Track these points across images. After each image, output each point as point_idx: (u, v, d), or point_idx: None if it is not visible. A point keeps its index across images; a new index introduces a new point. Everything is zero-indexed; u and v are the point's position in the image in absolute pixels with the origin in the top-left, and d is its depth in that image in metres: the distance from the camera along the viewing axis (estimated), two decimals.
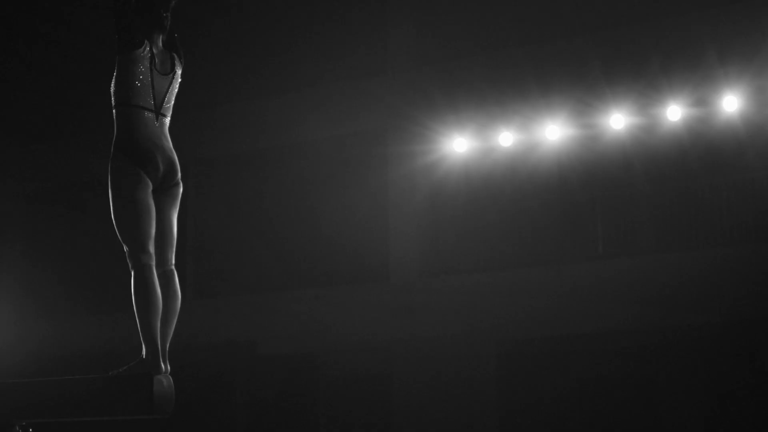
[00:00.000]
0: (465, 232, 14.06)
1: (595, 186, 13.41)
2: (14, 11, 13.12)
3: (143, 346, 4.90)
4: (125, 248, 5.00)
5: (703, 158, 12.84)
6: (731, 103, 12.57)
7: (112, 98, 5.15)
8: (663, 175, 13.09)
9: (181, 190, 5.21)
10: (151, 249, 5.02)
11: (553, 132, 13.48)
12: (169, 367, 4.96)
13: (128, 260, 4.99)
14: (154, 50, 5.22)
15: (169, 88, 5.30)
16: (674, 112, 12.85)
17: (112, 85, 5.14)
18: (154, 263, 5.01)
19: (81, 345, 15.66)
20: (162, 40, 5.28)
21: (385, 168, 14.41)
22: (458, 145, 13.97)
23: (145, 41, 5.15)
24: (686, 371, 12.57)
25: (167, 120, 5.29)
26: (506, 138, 13.74)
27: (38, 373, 14.57)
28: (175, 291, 5.16)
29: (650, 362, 12.78)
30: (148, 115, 5.17)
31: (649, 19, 13.22)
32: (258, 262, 15.31)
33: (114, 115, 5.16)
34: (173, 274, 5.17)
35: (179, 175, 5.21)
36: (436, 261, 14.18)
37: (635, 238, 13.30)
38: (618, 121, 13.14)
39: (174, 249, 5.22)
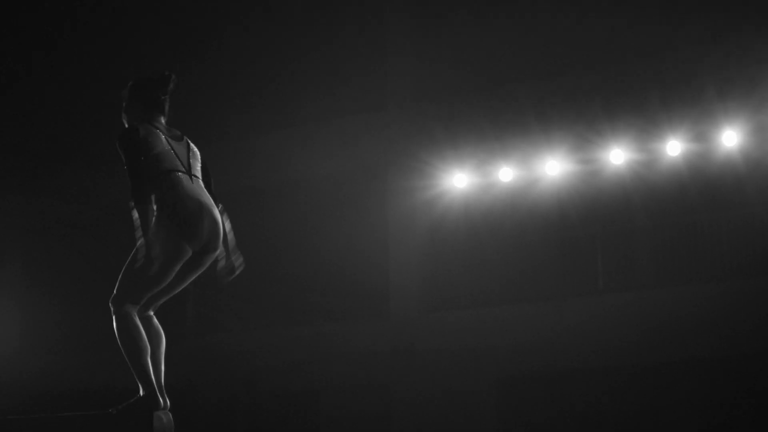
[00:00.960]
0: (465, 267, 14.05)
1: (595, 221, 13.42)
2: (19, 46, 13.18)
3: (139, 385, 4.90)
4: (116, 290, 4.97)
5: (703, 193, 12.86)
6: (731, 138, 12.60)
7: (138, 184, 4.98)
8: (663, 210, 13.10)
9: (215, 256, 5.16)
10: (143, 301, 5.01)
11: (553, 167, 13.50)
12: (168, 402, 4.97)
13: (111, 303, 4.97)
14: (158, 126, 5.21)
15: (188, 153, 5.25)
16: (674, 148, 12.88)
17: (129, 176, 5.00)
18: (135, 312, 5.01)
19: (81, 381, 15.62)
20: (164, 120, 5.30)
21: (384, 203, 14.42)
22: (458, 180, 13.98)
23: (137, 129, 5.09)
24: (687, 405, 12.53)
25: (201, 183, 5.21)
26: (506, 173, 13.76)
27: (38, 409, 14.57)
28: (158, 329, 5.16)
29: (651, 396, 12.74)
30: (183, 175, 5.11)
31: (648, 55, 13.27)
32: (258, 298, 15.29)
33: (151, 196, 5.02)
34: (153, 318, 5.16)
35: (220, 242, 5.15)
36: (437, 296, 14.16)
37: (635, 272, 13.30)
38: (618, 156, 13.16)
39: (165, 300, 5.19)
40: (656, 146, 13.02)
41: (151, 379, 4.93)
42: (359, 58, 14.99)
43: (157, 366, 5.06)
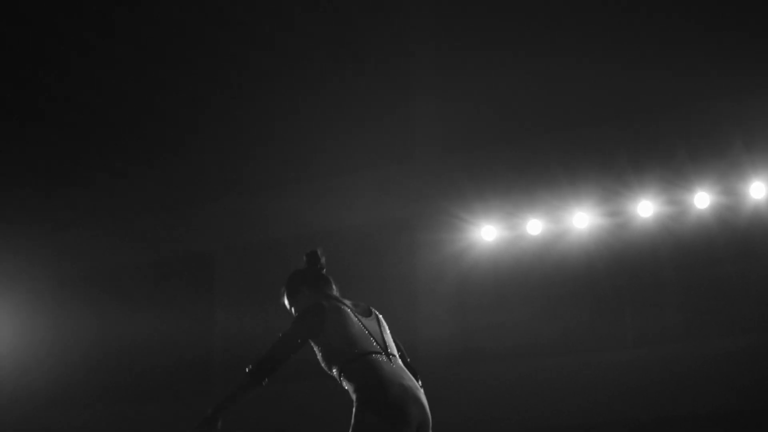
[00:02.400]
0: (493, 320, 14.01)
1: (623, 274, 13.36)
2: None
3: None
4: None
5: (731, 245, 12.80)
6: (759, 190, 12.55)
7: (331, 365, 4.81)
8: (691, 263, 13.04)
9: None
10: None
11: (581, 220, 13.48)
12: None
13: None
14: (343, 301, 4.95)
15: (380, 328, 4.98)
16: (702, 200, 12.84)
17: (321, 358, 4.83)
18: None
19: None
20: (336, 289, 5.06)
21: (412, 256, 14.41)
22: (486, 233, 13.97)
23: (323, 304, 4.87)
24: None
25: (401, 362, 4.91)
26: (534, 226, 13.74)
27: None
28: None
29: None
30: (381, 357, 4.81)
31: (675, 106, 13.28)
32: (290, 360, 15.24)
33: (342, 379, 4.81)
34: None
35: (429, 429, 4.86)
36: (465, 349, 14.12)
37: (664, 326, 13.22)
38: (646, 208, 13.13)
39: None
40: (684, 198, 12.99)
41: None
42: (385, 109, 15.05)
43: None
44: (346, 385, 4.82)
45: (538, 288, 13.76)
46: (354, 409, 4.73)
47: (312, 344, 4.86)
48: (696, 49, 13.23)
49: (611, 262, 13.39)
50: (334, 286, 5.08)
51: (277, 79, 13.77)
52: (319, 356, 4.84)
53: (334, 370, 4.80)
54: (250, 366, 4.67)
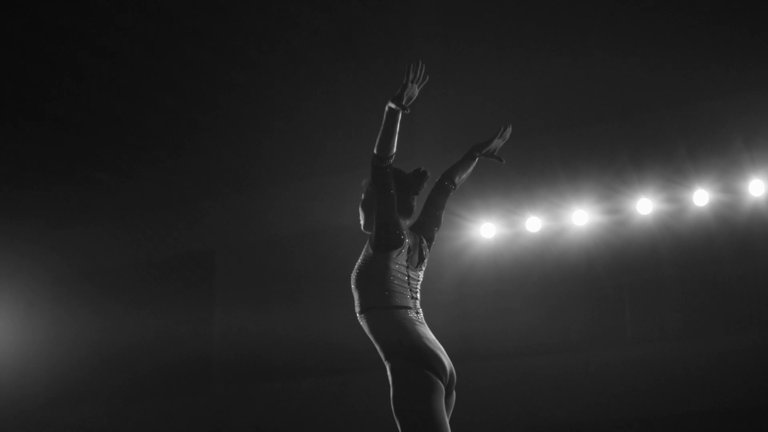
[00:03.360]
0: (493, 317, 14.02)
1: (622, 271, 13.39)
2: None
3: None
4: None
5: (730, 243, 12.82)
6: (758, 188, 12.57)
7: (363, 299, 4.84)
8: (690, 261, 13.06)
9: (454, 398, 4.92)
10: None
11: (580, 217, 13.50)
12: None
13: None
14: (409, 246, 4.94)
15: (418, 282, 5.04)
16: (701, 197, 12.86)
17: (356, 280, 4.87)
18: None
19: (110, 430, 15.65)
20: (408, 226, 5.03)
21: None
22: (485, 230, 13.99)
23: (405, 238, 4.87)
24: None
25: (421, 317, 4.91)
26: (534, 223, 13.76)
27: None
28: None
29: None
30: (413, 315, 4.84)
31: (675, 104, 13.29)
32: (283, 347, 15.29)
33: (367, 319, 4.86)
34: None
35: (455, 378, 4.88)
36: (465, 346, 14.13)
37: (663, 323, 13.24)
38: (645, 206, 13.15)
39: None
40: (683, 196, 13.01)
41: None
42: (383, 108, 15.03)
43: None
44: (366, 327, 4.81)
45: (537, 285, 13.79)
46: (386, 363, 4.75)
47: (367, 243, 4.85)
48: (696, 46, 13.23)
49: (610, 259, 13.41)
50: (408, 222, 5.10)
51: (277, 77, 13.75)
52: (359, 263, 4.85)
53: (359, 305, 4.81)
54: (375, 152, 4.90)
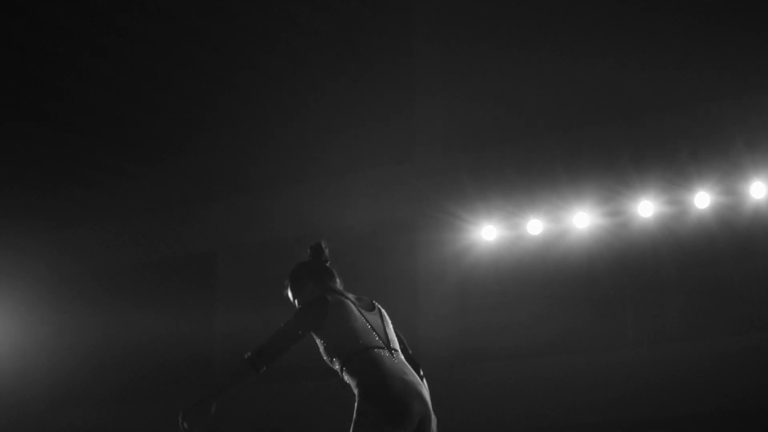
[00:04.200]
0: (494, 320, 14.02)
1: (624, 273, 13.38)
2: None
3: None
4: None
5: (732, 245, 12.82)
6: (759, 190, 12.57)
7: (333, 358, 4.80)
8: (692, 263, 13.05)
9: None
10: None
11: (581, 220, 13.49)
12: None
13: None
14: (346, 295, 4.94)
15: (383, 323, 4.98)
16: (703, 199, 12.85)
17: (323, 351, 4.82)
18: None
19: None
20: (340, 283, 5.04)
21: (413, 256, 14.42)
22: (487, 233, 13.98)
23: (326, 298, 4.85)
24: None
25: (403, 357, 4.91)
26: (535, 226, 13.75)
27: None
28: None
29: None
30: (384, 353, 4.80)
31: (677, 106, 13.29)
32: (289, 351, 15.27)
33: (344, 373, 4.80)
34: None
35: (432, 425, 4.83)
36: (466, 349, 14.13)
37: (665, 325, 13.24)
38: (647, 208, 13.14)
39: None
40: (685, 198, 13.00)
41: None
42: (387, 109, 15.07)
43: None
44: (347, 379, 4.84)
45: (539, 288, 13.78)
46: (356, 404, 4.72)
47: (314, 337, 4.87)
48: (698, 48, 13.24)
49: (612, 262, 13.40)
50: (337, 280, 5.07)
51: (279, 79, 13.78)
52: (321, 349, 4.85)
53: (336, 364, 4.80)
54: (249, 353, 4.68)
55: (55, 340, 17.05)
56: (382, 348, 4.88)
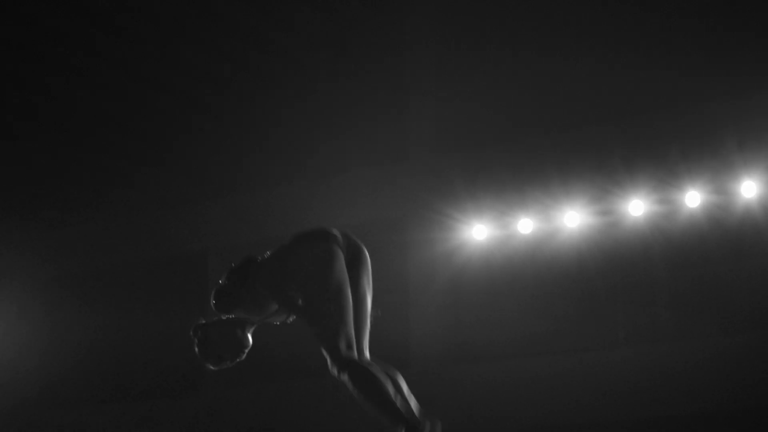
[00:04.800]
0: (486, 319, 14.03)
1: (614, 272, 13.40)
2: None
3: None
4: (328, 353, 4.78)
5: (723, 244, 12.84)
6: (750, 189, 12.59)
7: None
8: (682, 262, 13.08)
9: (369, 264, 5.07)
10: (355, 344, 4.80)
11: (572, 219, 13.51)
12: (435, 424, 4.77)
13: (332, 367, 4.78)
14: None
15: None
16: (693, 198, 12.88)
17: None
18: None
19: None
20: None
21: (404, 255, 14.42)
22: (478, 232, 14.00)
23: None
24: None
25: None
26: (526, 225, 13.77)
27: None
28: (385, 366, 4.91)
29: None
30: None
31: (668, 106, 13.31)
32: (276, 349, 15.27)
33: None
34: (370, 361, 4.93)
35: (363, 250, 5.14)
36: (457, 348, 14.14)
37: (656, 324, 13.26)
38: (637, 207, 13.17)
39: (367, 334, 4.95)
40: (675, 197, 13.02)
41: (402, 415, 4.72)
42: (379, 109, 15.07)
43: (406, 399, 4.83)
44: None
45: (529, 287, 13.79)
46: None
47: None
48: (689, 49, 13.27)
49: (602, 261, 13.42)
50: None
51: (271, 78, 13.78)
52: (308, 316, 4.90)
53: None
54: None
55: (48, 340, 17.03)
56: None
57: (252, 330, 5.02)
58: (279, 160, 15.53)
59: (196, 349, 5.03)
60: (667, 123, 13.25)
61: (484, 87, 14.51)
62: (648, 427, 12.83)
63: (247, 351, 4.99)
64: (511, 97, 14.25)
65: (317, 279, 4.65)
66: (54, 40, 11.93)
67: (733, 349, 12.51)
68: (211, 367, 5.12)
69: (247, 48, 12.78)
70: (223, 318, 5.07)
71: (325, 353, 4.67)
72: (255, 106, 14.35)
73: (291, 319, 4.93)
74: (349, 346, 4.69)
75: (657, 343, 13.06)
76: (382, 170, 14.90)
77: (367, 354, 4.84)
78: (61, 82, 12.95)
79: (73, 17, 11.62)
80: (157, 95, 13.43)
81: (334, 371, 4.81)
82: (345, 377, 4.77)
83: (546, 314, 13.70)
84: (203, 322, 5.12)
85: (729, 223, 12.77)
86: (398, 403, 4.68)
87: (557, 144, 13.78)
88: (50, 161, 15.07)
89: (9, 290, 17.39)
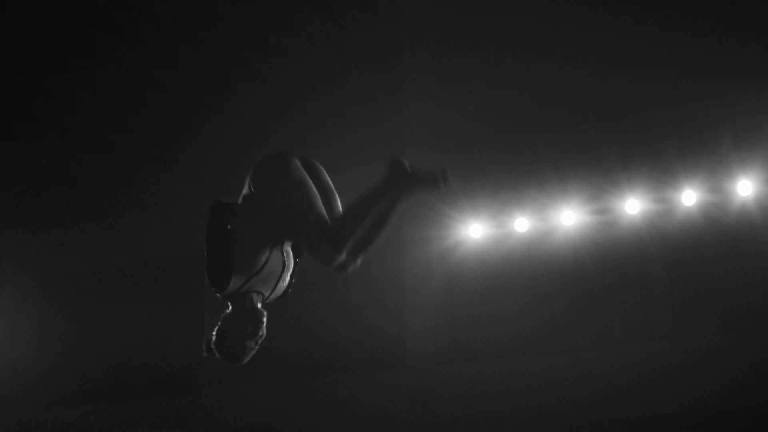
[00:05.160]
0: (482, 318, 14.03)
1: (610, 271, 13.40)
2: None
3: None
4: (309, 241, 4.78)
5: (719, 243, 12.85)
6: (746, 188, 12.61)
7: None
8: (679, 260, 13.09)
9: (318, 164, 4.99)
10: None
11: (568, 218, 13.52)
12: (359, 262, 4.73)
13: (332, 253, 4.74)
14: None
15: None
16: (689, 197, 12.89)
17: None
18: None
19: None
20: None
21: (401, 254, 14.43)
22: (474, 231, 14.00)
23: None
24: None
25: None
26: (522, 224, 13.78)
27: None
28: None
29: None
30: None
31: (664, 105, 13.32)
32: (272, 348, 15.25)
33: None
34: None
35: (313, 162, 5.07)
36: (454, 347, 14.14)
37: (652, 323, 13.27)
38: (633, 206, 13.18)
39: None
40: (672, 196, 13.03)
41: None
42: (375, 108, 15.07)
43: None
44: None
45: (525, 286, 13.79)
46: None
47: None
48: (685, 48, 13.27)
49: (599, 259, 13.42)
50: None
51: (267, 77, 13.77)
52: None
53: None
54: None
55: (42, 340, 17.02)
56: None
57: (260, 302, 5.01)
58: None
59: (220, 356, 5.02)
60: (663, 122, 13.26)
61: (480, 86, 14.51)
62: (644, 426, 12.84)
63: (265, 322, 4.97)
64: (508, 96, 14.26)
65: (277, 177, 4.68)
66: (49, 40, 11.92)
67: (730, 348, 12.52)
68: (245, 360, 5.12)
69: (246, 47, 12.78)
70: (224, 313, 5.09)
71: (310, 250, 4.70)
72: (251, 106, 14.34)
73: (291, 281, 4.94)
74: (323, 231, 4.69)
75: (653, 341, 13.07)
76: (378, 169, 14.87)
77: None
78: (53, 80, 12.93)
79: (66, 16, 11.60)
80: (152, 94, 13.41)
81: (329, 259, 4.80)
82: (342, 256, 4.79)
83: (542, 313, 13.71)
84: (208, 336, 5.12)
85: (725, 222, 12.78)
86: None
87: (553, 143, 13.78)
88: (45, 160, 15.04)
89: (4, 290, 17.37)
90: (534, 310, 13.75)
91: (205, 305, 15.59)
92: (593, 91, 13.64)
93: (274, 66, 13.37)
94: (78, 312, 16.75)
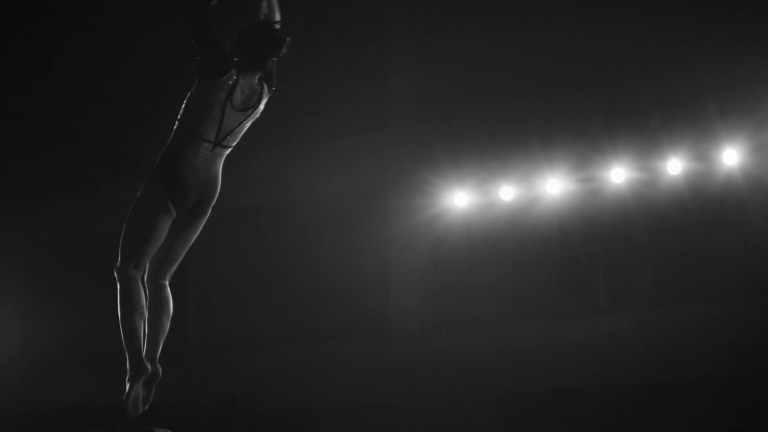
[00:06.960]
0: (466, 286, 14.03)
1: (595, 240, 13.41)
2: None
3: (127, 359, 4.74)
4: (118, 260, 4.81)
5: (704, 212, 12.86)
6: (731, 157, 12.60)
7: (179, 114, 4.89)
8: (663, 229, 13.09)
9: (206, 218, 5.01)
10: (145, 265, 4.85)
11: (553, 186, 13.50)
12: (160, 370, 4.82)
13: (116, 273, 4.81)
14: (239, 85, 5.00)
15: (240, 124, 5.14)
16: (675, 166, 12.88)
17: (184, 102, 4.87)
18: (140, 278, 4.84)
19: (76, 399, 15.60)
20: (257, 78, 5.09)
21: (386, 222, 14.41)
22: (459, 199, 13.98)
23: (231, 72, 4.92)
24: (687, 424, 12.50)
25: (226, 150, 5.11)
26: (507, 192, 13.76)
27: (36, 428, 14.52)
28: (166, 298, 4.97)
29: (652, 416, 12.72)
30: (205, 145, 4.93)
31: (649, 74, 13.29)
32: (258, 316, 15.27)
33: (173, 131, 4.91)
34: (165, 287, 4.98)
35: (211, 205, 5.00)
36: (438, 315, 14.15)
37: (636, 291, 13.28)
38: (618, 175, 13.17)
39: (174, 267, 5.02)
40: (657, 165, 13.02)
41: (138, 345, 4.77)
42: (360, 77, 15.01)
43: (154, 335, 4.88)
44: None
45: (510, 254, 13.79)
46: (154, 165, 4.88)
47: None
48: (670, 17, 13.24)
49: (584, 228, 13.42)
50: (256, 80, 5.18)
51: None
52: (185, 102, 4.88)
53: (176, 123, 4.86)
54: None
55: (24, 336, 17.03)
56: (210, 142, 4.98)
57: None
58: (261, 128, 15.43)
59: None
60: (648, 90, 13.23)
61: (463, 55, 14.46)
62: (628, 393, 12.88)
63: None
64: (492, 65, 14.21)
65: None
66: (42, 40, 11.87)
67: (714, 316, 12.55)
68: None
69: (234, 19, 12.73)
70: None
71: (118, 257, 4.83)
72: None
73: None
74: (136, 265, 4.85)
75: (637, 309, 13.09)
76: (364, 138, 14.86)
77: (163, 281, 5.05)
78: (48, 80, 12.90)
79: (60, 15, 11.57)
80: (133, 61, 13.36)
81: (116, 277, 4.90)
82: (118, 288, 4.86)
83: (527, 281, 13.71)
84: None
85: (710, 191, 12.78)
86: (140, 333, 4.78)
87: (538, 111, 13.75)
88: (49, 158, 15.03)
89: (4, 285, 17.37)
90: (519, 278, 13.76)
91: (190, 278, 15.55)
92: (578, 60, 13.60)
93: None
94: (63, 302, 16.73)
